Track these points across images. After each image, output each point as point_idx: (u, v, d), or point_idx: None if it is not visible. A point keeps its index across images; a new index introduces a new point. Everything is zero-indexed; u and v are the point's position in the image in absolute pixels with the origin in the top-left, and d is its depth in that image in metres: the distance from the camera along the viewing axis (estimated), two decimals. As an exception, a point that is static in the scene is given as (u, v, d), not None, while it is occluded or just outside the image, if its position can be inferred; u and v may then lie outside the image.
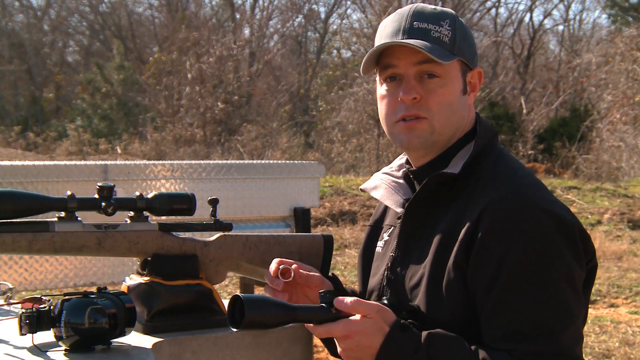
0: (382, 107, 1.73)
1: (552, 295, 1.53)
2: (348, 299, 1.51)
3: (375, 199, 1.87)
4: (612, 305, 7.09)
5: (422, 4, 1.70)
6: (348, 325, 1.50)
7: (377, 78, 1.74)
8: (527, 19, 36.02)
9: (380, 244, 1.84)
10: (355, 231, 10.18)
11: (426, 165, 1.73)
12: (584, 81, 21.09)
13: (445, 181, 1.65)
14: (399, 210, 1.76)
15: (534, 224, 1.54)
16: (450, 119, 1.68)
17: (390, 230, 1.82)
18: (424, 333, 1.53)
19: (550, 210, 1.56)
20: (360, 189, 1.91)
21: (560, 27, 30.08)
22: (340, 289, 1.83)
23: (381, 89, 1.72)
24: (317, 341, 1.92)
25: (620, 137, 17.45)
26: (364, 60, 1.70)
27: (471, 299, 1.57)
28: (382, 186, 1.82)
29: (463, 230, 1.57)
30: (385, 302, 1.59)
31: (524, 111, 21.10)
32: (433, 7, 1.70)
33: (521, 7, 42.65)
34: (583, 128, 18.82)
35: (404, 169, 1.83)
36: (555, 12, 43.28)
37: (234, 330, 1.49)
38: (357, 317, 1.51)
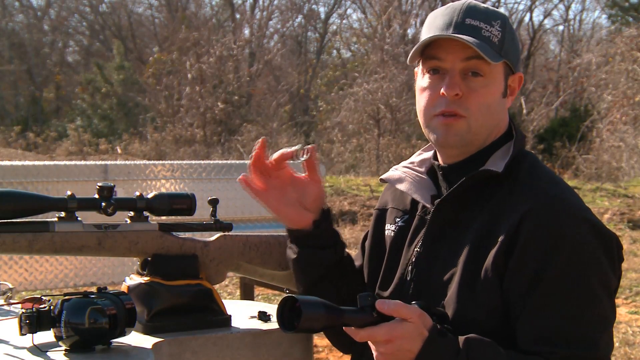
0: (421, 99, 1.70)
1: (590, 302, 1.54)
2: (390, 302, 1.48)
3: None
4: (612, 305, 7.08)
5: (471, 3, 1.68)
6: (391, 329, 1.47)
7: (419, 69, 1.72)
8: (527, 19, 35.99)
9: (391, 227, 1.81)
10: (355, 231, 10.17)
11: (459, 164, 1.71)
12: (584, 81, 21.10)
13: (483, 180, 1.64)
14: (428, 205, 1.73)
15: (575, 231, 1.56)
16: (488, 120, 1.67)
17: (405, 217, 1.79)
18: (461, 338, 1.52)
19: (590, 218, 1.59)
20: (381, 179, 1.87)
21: (560, 27, 30.11)
22: (330, 223, 1.79)
23: (422, 81, 1.70)
24: (317, 341, 1.91)
25: (620, 137, 17.46)
26: (412, 50, 1.67)
27: (505, 301, 1.57)
28: (407, 179, 1.79)
29: (503, 232, 1.57)
30: (416, 305, 1.55)
31: (524, 111, 21.10)
32: (486, 5, 1.70)
33: (521, 7, 42.64)
34: (583, 128, 18.83)
35: (428, 165, 1.81)
36: (555, 12, 43.26)
37: (287, 332, 1.43)
38: (398, 320, 1.48)
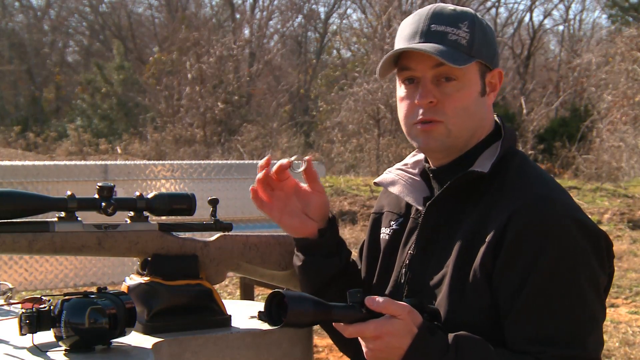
0: (401, 109, 1.73)
1: (579, 301, 1.54)
2: (379, 299, 1.50)
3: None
4: (612, 305, 7.09)
5: (441, 4, 1.69)
6: (379, 325, 1.49)
7: (397, 79, 1.74)
8: (527, 19, 36.04)
9: (386, 231, 1.82)
10: (355, 231, 10.18)
11: (447, 165, 1.72)
12: (584, 81, 21.10)
13: (471, 180, 1.65)
14: (420, 207, 1.74)
15: (563, 230, 1.55)
16: (467, 122, 1.67)
17: (400, 220, 1.80)
18: (451, 335, 1.53)
19: (578, 217, 1.58)
20: (375, 183, 1.88)
21: (560, 27, 30.13)
22: (335, 232, 1.81)
23: (400, 91, 1.72)
24: (317, 341, 1.92)
25: (620, 137, 17.46)
26: (380, 64, 1.69)
27: (494, 301, 1.57)
28: (400, 182, 1.81)
29: (491, 232, 1.57)
30: (408, 302, 1.57)
31: (524, 111, 21.10)
32: (453, 7, 1.68)
33: (521, 7, 42.67)
34: (583, 128, 18.83)
35: (421, 166, 1.82)
36: (555, 12, 43.29)
37: (273, 327, 1.45)
38: (387, 317, 1.49)
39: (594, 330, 1.56)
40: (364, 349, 1.52)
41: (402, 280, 1.72)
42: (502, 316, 1.57)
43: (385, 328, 1.48)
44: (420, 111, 1.66)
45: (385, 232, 1.83)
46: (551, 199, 1.58)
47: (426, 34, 1.64)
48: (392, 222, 1.82)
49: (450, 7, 1.68)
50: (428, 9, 1.68)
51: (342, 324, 1.51)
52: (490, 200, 1.62)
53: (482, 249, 1.57)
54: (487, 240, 1.57)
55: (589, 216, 1.62)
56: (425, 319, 1.54)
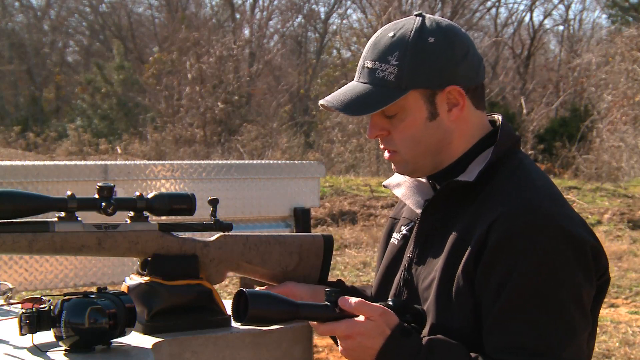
0: None
1: (556, 313, 1.53)
2: (352, 299, 1.53)
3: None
4: (612, 305, 7.09)
5: (383, 31, 1.67)
6: (350, 325, 1.52)
7: None
8: (527, 19, 36.00)
9: (397, 236, 1.84)
10: (355, 231, 10.17)
11: (440, 172, 1.72)
12: (584, 81, 21.11)
13: (461, 187, 1.64)
14: (418, 211, 1.75)
15: (543, 240, 1.53)
16: (417, 149, 1.68)
17: (410, 225, 1.81)
18: (425, 338, 1.54)
19: (562, 226, 1.55)
20: (383, 185, 1.92)
21: (560, 27, 30.11)
22: (344, 290, 1.84)
23: None
24: (317, 341, 1.92)
25: (620, 137, 17.46)
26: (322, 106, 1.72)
27: (478, 307, 1.57)
28: (405, 184, 1.82)
29: (473, 239, 1.57)
30: (390, 303, 1.59)
31: (524, 111, 21.10)
32: (393, 33, 1.65)
33: (521, 7, 42.65)
34: (583, 128, 18.83)
35: None
36: (555, 12, 43.22)
37: (238, 324, 1.51)
38: (361, 318, 1.52)
39: (572, 341, 1.54)
40: (339, 348, 1.56)
41: (402, 284, 1.74)
42: (483, 322, 1.57)
43: (356, 328, 1.52)
44: (380, 140, 1.72)
45: (395, 237, 1.85)
46: (537, 207, 1.56)
47: (361, 72, 1.67)
48: (403, 227, 1.83)
49: (390, 33, 1.65)
50: (372, 38, 1.68)
51: (316, 322, 1.56)
52: (478, 207, 1.62)
53: (465, 255, 1.57)
54: (470, 248, 1.57)
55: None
56: (407, 320, 1.57)
